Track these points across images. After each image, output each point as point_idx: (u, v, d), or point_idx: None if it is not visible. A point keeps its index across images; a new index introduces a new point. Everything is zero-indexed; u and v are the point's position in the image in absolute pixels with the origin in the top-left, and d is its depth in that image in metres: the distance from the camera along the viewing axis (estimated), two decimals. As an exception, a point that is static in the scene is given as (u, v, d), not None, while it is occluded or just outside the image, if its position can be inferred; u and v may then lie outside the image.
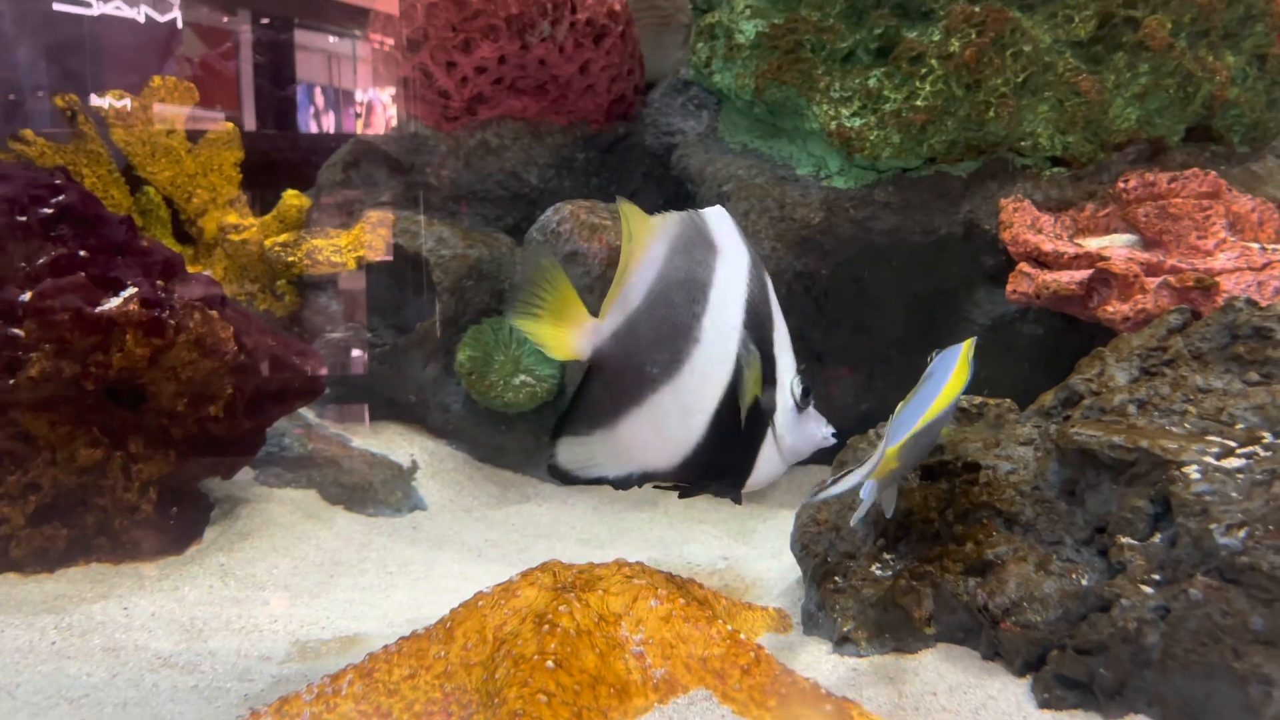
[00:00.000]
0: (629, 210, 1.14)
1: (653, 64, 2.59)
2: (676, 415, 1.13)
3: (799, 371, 1.17)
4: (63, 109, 1.95)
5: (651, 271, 1.13)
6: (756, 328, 1.13)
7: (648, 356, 1.13)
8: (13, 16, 2.06)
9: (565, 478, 1.16)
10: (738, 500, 1.22)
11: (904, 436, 1.14)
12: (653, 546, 1.89)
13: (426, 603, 1.54)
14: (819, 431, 1.18)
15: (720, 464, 1.15)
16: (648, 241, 1.14)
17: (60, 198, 1.52)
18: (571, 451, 1.16)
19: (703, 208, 1.17)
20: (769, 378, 1.14)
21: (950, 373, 1.19)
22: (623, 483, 1.16)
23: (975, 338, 1.24)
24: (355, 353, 2.31)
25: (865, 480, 1.16)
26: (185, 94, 2.12)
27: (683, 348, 1.12)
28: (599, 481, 1.16)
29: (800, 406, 1.16)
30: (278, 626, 1.44)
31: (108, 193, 2.02)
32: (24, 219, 1.49)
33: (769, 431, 1.16)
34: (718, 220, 1.15)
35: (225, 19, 2.51)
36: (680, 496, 1.23)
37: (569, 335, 1.14)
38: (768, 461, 1.16)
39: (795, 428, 1.16)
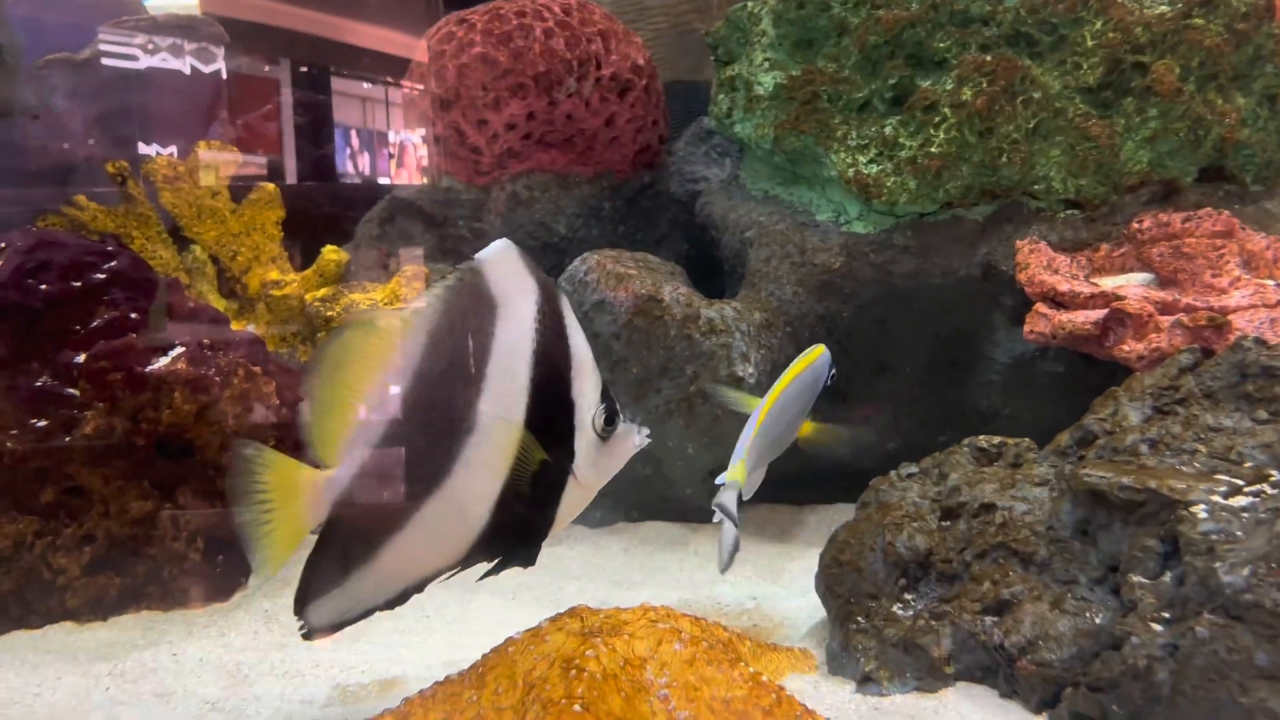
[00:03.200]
0: (366, 325, 1.06)
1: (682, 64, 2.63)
2: (451, 519, 1.06)
3: (603, 398, 1.09)
4: (113, 175, 2.05)
5: (401, 378, 1.04)
6: (549, 379, 1.05)
7: (404, 478, 1.05)
8: (67, 82, 2.17)
9: (331, 630, 1.09)
10: (530, 563, 1.13)
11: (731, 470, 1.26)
12: (683, 587, 1.93)
13: (462, 644, 1.58)
14: (630, 444, 1.11)
15: (514, 536, 1.10)
16: (388, 348, 1.04)
17: (112, 263, 1.61)
18: (327, 608, 1.08)
19: (485, 254, 1.05)
20: (564, 428, 1.07)
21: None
22: (397, 600, 1.10)
23: (824, 346, 1.34)
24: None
25: (730, 514, 1.23)
26: (229, 157, 2.22)
27: (451, 446, 1.03)
28: (370, 614, 1.09)
29: (605, 435, 1.09)
30: (319, 671, 1.49)
31: (156, 253, 2.11)
32: (79, 284, 1.58)
33: (568, 479, 1.09)
34: (493, 264, 1.05)
35: (266, 68, 2.61)
36: (493, 574, 1.14)
37: (300, 512, 1.03)
38: (570, 503, 1.10)
39: (601, 459, 1.09)
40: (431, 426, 1.04)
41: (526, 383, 1.04)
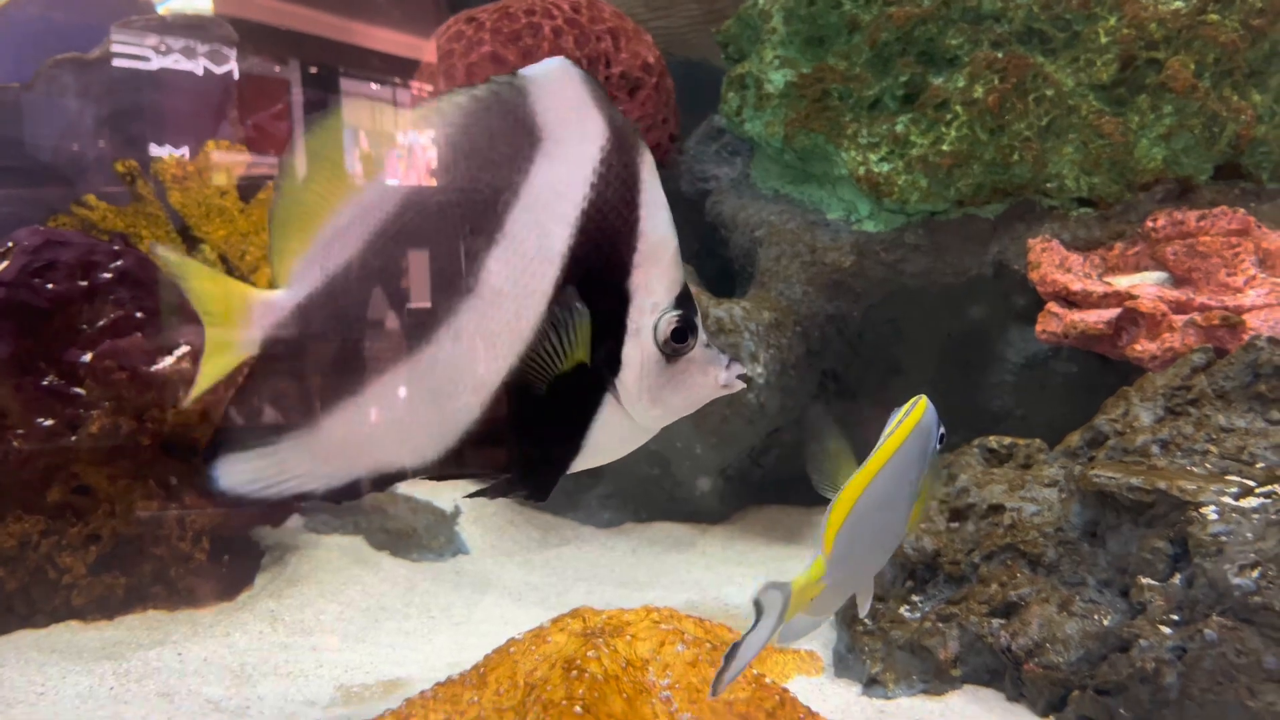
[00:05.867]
0: (348, 113, 0.83)
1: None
2: (425, 399, 0.83)
3: (679, 303, 0.84)
4: (122, 174, 2.05)
5: (386, 196, 0.82)
6: (600, 252, 0.80)
7: (364, 325, 0.82)
8: (77, 81, 2.18)
9: (243, 499, 0.86)
10: (540, 496, 0.90)
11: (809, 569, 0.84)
12: (690, 589, 1.92)
13: (468, 646, 1.58)
14: (711, 377, 0.87)
15: (523, 452, 0.87)
16: (381, 154, 0.82)
17: (119, 263, 1.61)
18: (246, 468, 0.85)
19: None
20: (612, 326, 0.82)
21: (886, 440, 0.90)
22: (344, 492, 0.87)
23: (925, 398, 0.96)
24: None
25: (776, 626, 0.86)
26: (238, 157, 2.22)
27: (438, 304, 0.81)
28: (300, 498, 0.90)
29: (669, 353, 0.84)
30: (323, 671, 1.49)
31: (165, 253, 2.11)
32: (85, 284, 1.58)
33: (607, 398, 0.84)
34: (545, 86, 0.80)
35: (277, 69, 2.61)
36: (486, 495, 0.91)
37: (224, 334, 0.84)
38: (608, 431, 0.86)
39: (662, 384, 0.85)
40: (417, 271, 0.82)
41: (564, 247, 0.80)
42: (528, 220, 0.80)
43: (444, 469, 0.87)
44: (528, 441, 0.86)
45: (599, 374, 0.83)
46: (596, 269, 0.81)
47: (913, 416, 0.94)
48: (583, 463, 0.88)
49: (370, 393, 0.83)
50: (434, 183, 0.81)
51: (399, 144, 0.81)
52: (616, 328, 0.82)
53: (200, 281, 0.84)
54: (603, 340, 0.82)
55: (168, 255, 0.85)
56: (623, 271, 0.81)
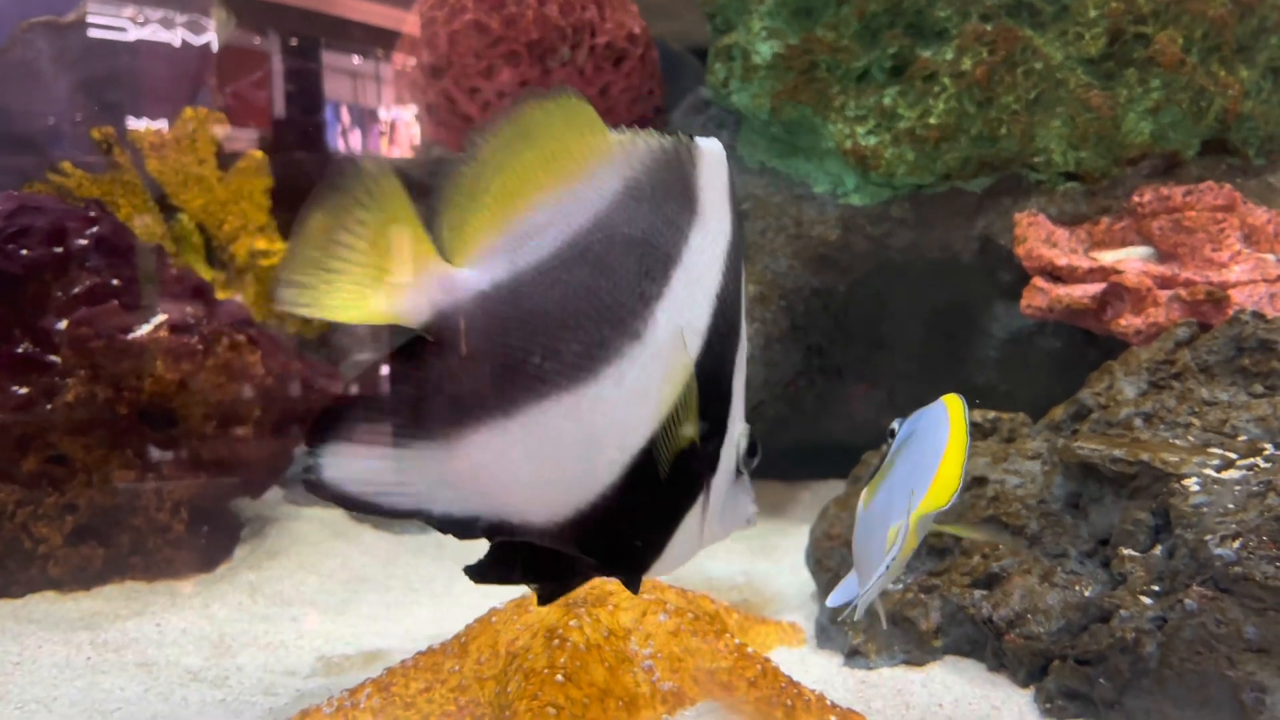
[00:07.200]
0: (574, 106, 0.73)
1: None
2: (575, 443, 0.74)
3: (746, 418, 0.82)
4: (99, 141, 2.02)
5: (583, 208, 0.74)
6: (719, 341, 0.76)
7: (542, 340, 0.72)
8: (51, 46, 2.14)
9: (339, 498, 0.74)
10: (633, 587, 0.82)
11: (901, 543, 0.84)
12: (673, 562, 1.92)
13: (449, 618, 1.57)
14: (748, 509, 0.85)
15: (627, 535, 0.78)
16: (589, 162, 0.74)
17: (94, 229, 1.58)
18: (358, 465, 0.73)
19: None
20: (717, 420, 0.78)
21: (942, 443, 0.88)
22: (458, 527, 0.76)
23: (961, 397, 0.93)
24: (382, 373, 2.36)
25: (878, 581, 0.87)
26: (216, 124, 2.19)
27: (609, 342, 0.73)
28: (413, 517, 0.75)
29: (742, 470, 0.82)
30: (303, 642, 1.48)
31: (143, 221, 2.09)
32: (60, 250, 1.55)
33: (700, 499, 0.78)
34: (710, 164, 0.76)
35: (257, 40, 2.58)
36: (542, 599, 0.82)
37: (382, 292, 0.72)
38: (687, 541, 0.80)
39: (729, 500, 0.81)
40: (598, 298, 0.73)
41: (704, 325, 0.75)
42: (687, 284, 0.75)
43: (566, 536, 0.76)
44: (630, 524, 0.78)
45: (701, 468, 0.78)
46: (715, 357, 0.77)
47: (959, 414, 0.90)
48: (659, 566, 0.81)
49: (523, 418, 0.73)
50: (622, 211, 0.75)
51: (606, 157, 0.74)
52: (719, 426, 0.78)
53: (387, 214, 0.72)
54: (709, 436, 0.78)
55: (373, 167, 0.73)
56: (730, 368, 0.78)
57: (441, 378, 0.73)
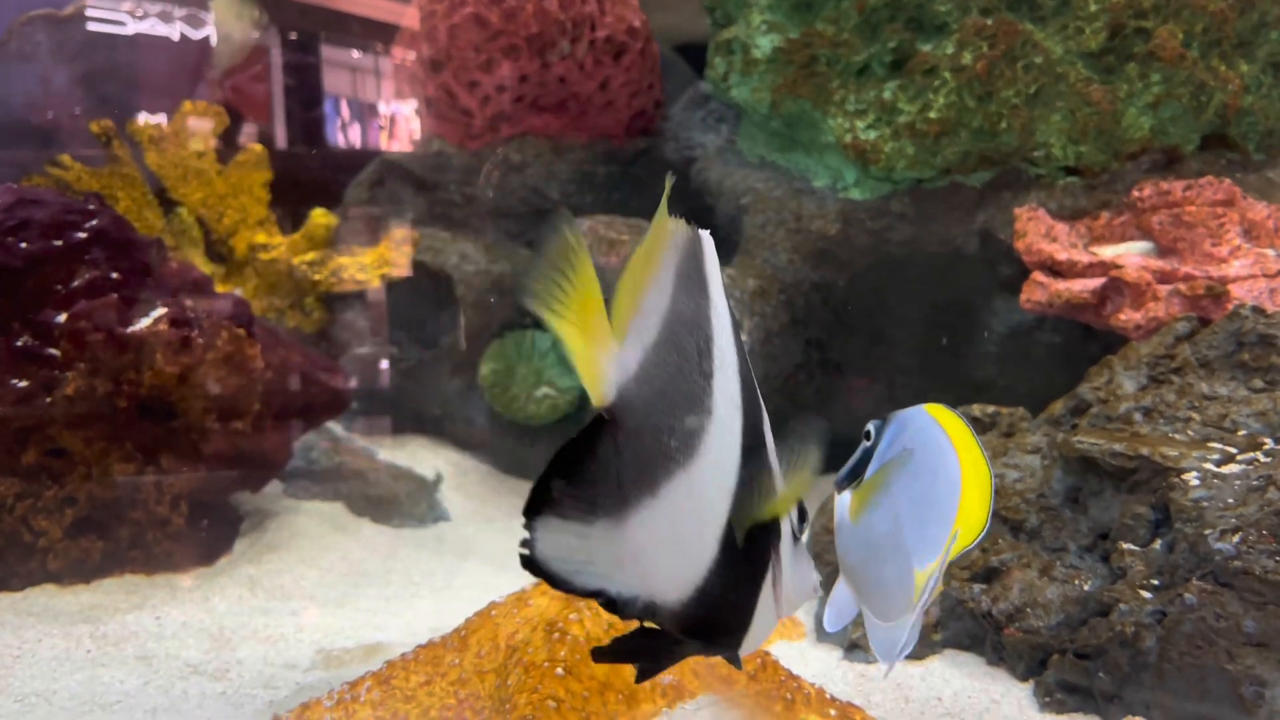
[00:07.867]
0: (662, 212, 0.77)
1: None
2: (692, 521, 0.75)
3: None
4: (98, 134, 2.01)
5: (662, 293, 0.77)
6: (753, 412, 0.78)
7: (668, 419, 0.75)
8: (50, 39, 2.14)
9: (545, 573, 0.74)
10: (735, 662, 0.82)
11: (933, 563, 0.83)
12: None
13: (449, 612, 1.57)
14: (811, 578, 0.83)
15: (723, 609, 0.78)
16: (664, 249, 0.77)
17: (94, 222, 1.58)
18: (561, 542, 0.74)
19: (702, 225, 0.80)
20: (768, 489, 0.78)
21: (952, 469, 0.86)
22: (628, 609, 0.75)
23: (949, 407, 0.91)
24: (381, 367, 2.36)
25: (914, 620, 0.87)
26: (215, 118, 2.19)
27: (696, 419, 0.75)
28: (597, 596, 0.75)
29: (797, 535, 0.82)
30: (303, 635, 1.48)
31: (142, 215, 2.08)
32: (59, 243, 1.55)
33: (770, 570, 0.79)
34: (711, 252, 0.79)
35: (255, 34, 2.57)
36: (639, 675, 0.81)
37: (596, 353, 0.74)
38: (767, 611, 0.80)
39: (793, 566, 0.81)
40: (684, 379, 0.76)
41: (739, 394, 0.78)
42: (722, 360, 0.77)
43: (678, 620, 0.76)
44: (729, 599, 0.78)
45: (770, 536, 0.79)
46: (752, 428, 0.78)
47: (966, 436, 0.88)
48: (748, 642, 0.80)
49: (664, 498, 0.74)
50: (679, 297, 0.77)
51: (670, 245, 0.78)
52: (769, 489, 0.78)
53: (585, 286, 0.74)
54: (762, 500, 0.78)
55: (569, 242, 0.73)
56: (764, 438, 0.79)
57: (611, 457, 0.74)
